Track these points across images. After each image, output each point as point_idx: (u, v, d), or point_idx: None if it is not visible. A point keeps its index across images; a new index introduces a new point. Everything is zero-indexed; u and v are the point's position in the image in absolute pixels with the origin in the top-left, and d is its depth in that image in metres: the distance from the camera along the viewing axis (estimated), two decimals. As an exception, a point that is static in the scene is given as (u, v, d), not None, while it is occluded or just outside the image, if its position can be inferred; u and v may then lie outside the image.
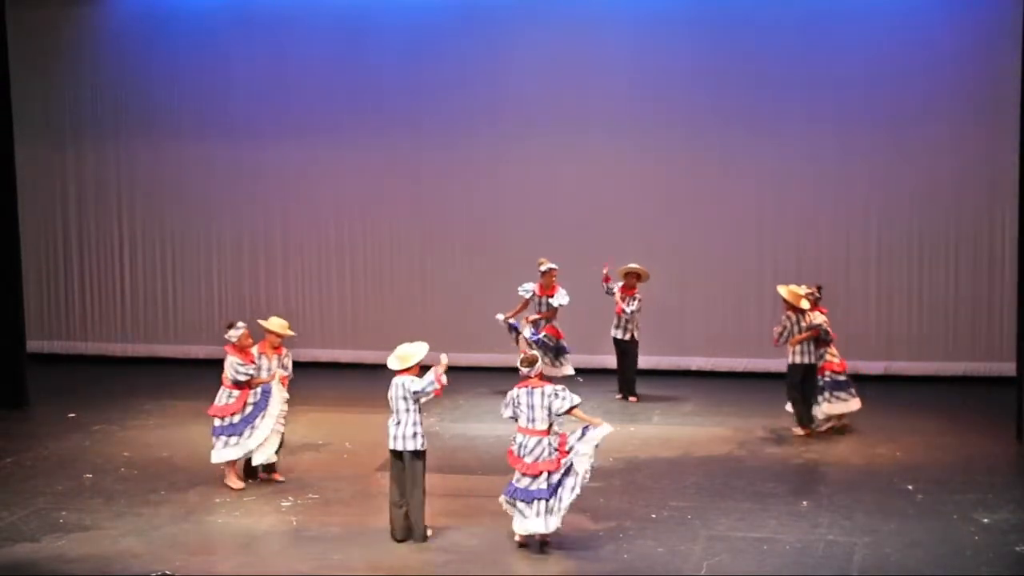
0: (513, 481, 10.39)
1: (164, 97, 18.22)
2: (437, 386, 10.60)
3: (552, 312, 15.61)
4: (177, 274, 18.54)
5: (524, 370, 10.46)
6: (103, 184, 18.60)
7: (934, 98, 16.33)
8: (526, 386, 10.42)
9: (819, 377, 13.90)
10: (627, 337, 15.62)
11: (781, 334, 13.87)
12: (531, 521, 10.30)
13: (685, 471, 12.62)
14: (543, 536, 10.37)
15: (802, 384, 13.84)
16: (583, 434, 10.38)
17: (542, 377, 10.52)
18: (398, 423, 10.57)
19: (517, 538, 10.47)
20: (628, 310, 15.38)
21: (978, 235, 16.40)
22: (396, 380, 10.67)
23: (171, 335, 18.59)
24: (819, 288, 14.12)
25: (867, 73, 16.40)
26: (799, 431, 13.87)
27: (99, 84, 18.40)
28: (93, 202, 18.66)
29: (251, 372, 12.10)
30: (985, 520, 10.93)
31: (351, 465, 12.94)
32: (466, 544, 10.51)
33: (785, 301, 13.82)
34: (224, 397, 12.12)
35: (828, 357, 13.95)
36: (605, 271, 15.53)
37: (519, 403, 10.39)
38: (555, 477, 10.31)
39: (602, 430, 10.37)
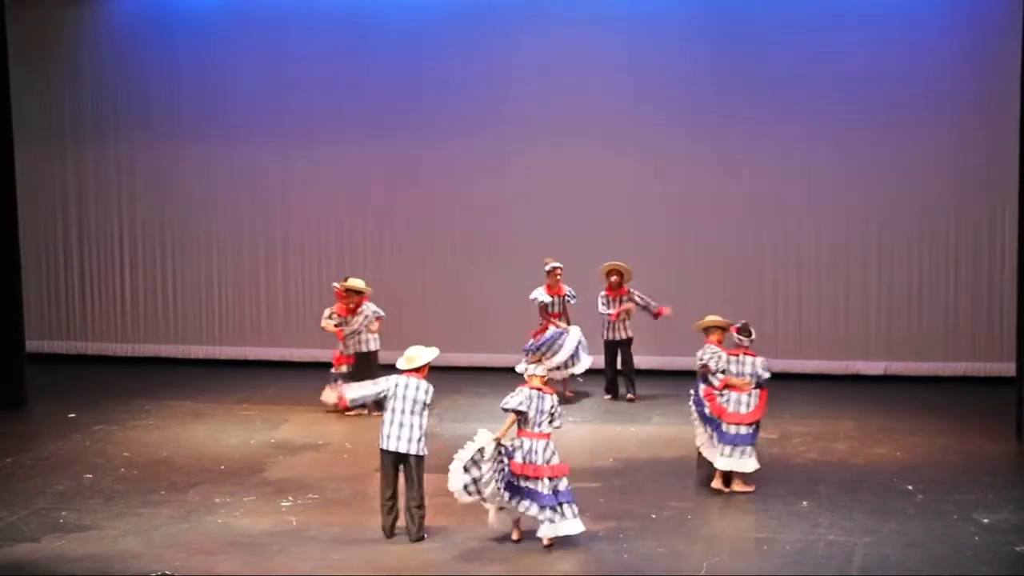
0: (522, 484, 10.35)
1: (164, 97, 18.23)
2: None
3: (565, 309, 15.66)
4: (177, 274, 18.53)
5: (528, 367, 10.57)
6: (103, 184, 18.60)
7: (934, 98, 16.32)
8: (539, 390, 10.44)
9: None
10: (622, 337, 15.64)
11: None
12: (553, 525, 10.32)
13: (685, 471, 12.61)
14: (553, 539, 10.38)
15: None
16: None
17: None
18: (401, 424, 10.52)
19: (515, 535, 10.52)
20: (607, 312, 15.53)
21: (978, 235, 16.39)
22: (403, 379, 10.60)
23: (171, 335, 18.59)
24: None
25: (867, 73, 16.39)
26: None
27: (99, 84, 18.41)
28: (93, 202, 18.66)
29: None
30: (985, 520, 10.93)
31: (351, 465, 12.93)
32: (466, 544, 10.51)
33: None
34: (751, 400, 11.85)
35: None
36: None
37: (531, 405, 10.36)
38: (556, 483, 10.36)
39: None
